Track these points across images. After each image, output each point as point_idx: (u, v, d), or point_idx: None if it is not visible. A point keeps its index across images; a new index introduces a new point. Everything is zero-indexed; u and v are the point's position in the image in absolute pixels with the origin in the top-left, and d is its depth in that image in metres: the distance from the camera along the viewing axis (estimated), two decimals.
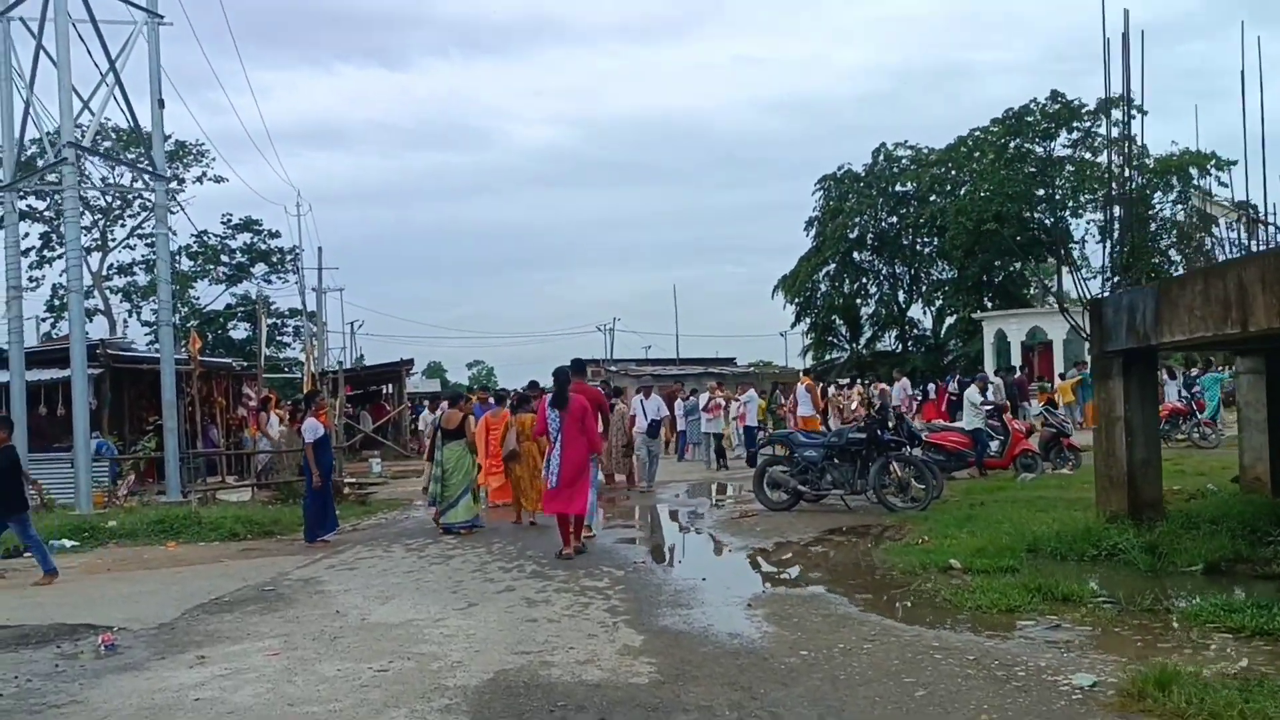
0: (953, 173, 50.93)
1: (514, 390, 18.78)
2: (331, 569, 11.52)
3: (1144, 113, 46.15)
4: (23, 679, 7.25)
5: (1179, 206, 45.85)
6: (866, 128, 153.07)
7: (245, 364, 28.31)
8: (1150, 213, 46.61)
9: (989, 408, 18.60)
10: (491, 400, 17.64)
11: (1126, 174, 45.42)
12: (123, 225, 57.53)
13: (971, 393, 18.64)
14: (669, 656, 7.21)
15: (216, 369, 23.21)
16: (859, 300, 55.21)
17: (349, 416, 30.54)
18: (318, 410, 14.03)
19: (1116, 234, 44.42)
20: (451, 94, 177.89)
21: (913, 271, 54.78)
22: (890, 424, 14.77)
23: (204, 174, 57.40)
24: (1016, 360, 40.55)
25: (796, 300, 54.54)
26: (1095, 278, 44.65)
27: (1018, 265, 51.43)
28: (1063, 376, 37.05)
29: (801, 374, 28.62)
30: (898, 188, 53.34)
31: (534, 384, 17.92)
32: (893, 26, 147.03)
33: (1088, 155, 47.26)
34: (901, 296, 55.44)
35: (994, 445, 18.07)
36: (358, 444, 29.63)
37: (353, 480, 21.28)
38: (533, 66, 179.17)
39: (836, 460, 14.68)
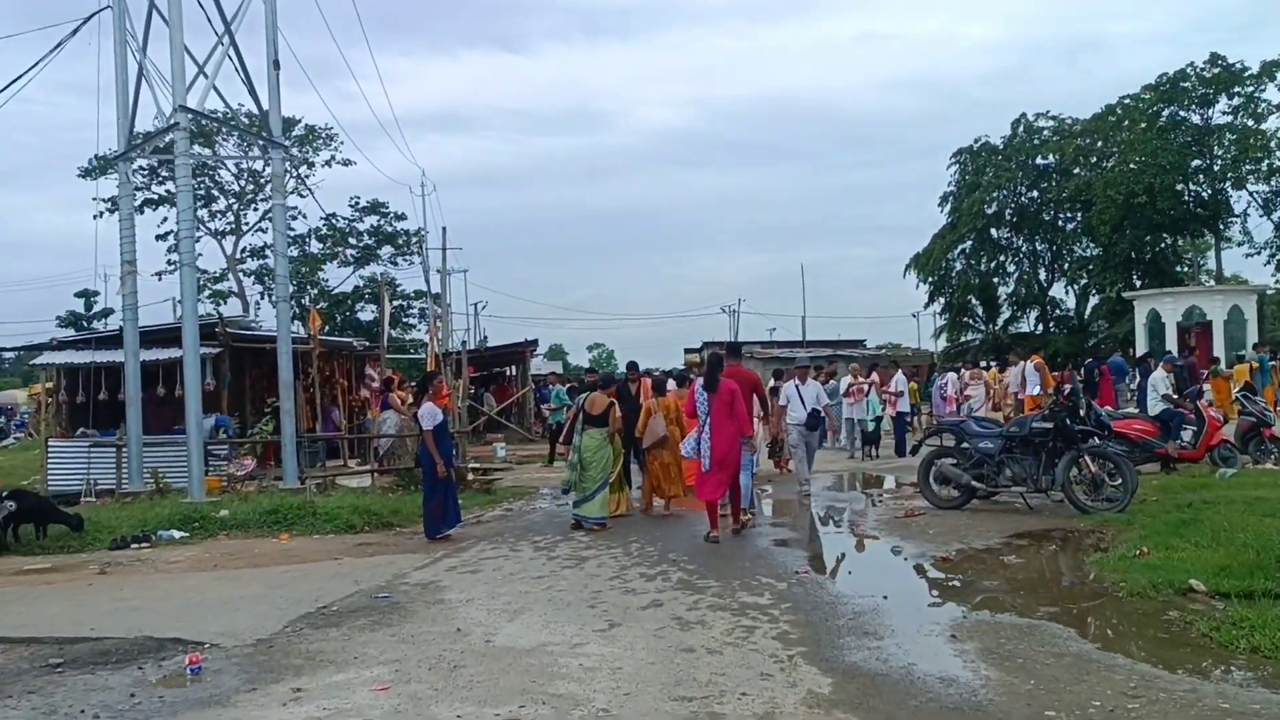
0: (1099, 144, 47.77)
1: (663, 371, 17.37)
2: (453, 571, 10.15)
3: None
4: (90, 712, 5.99)
5: None
6: (996, 105, 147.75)
7: (368, 344, 27.41)
8: None
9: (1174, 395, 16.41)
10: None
11: None
12: (255, 209, 57.87)
13: (1157, 377, 16.47)
14: (871, 712, 5.59)
15: (338, 349, 22.22)
16: (996, 279, 52.46)
17: (472, 398, 29.49)
18: (436, 393, 12.67)
19: None
20: (574, 77, 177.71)
21: (1054, 249, 51.73)
22: (1081, 411, 12.79)
23: (333, 157, 57.48)
24: (1171, 343, 37.47)
25: (930, 279, 52.09)
26: (1260, 253, 41.53)
27: (1170, 240, 48.05)
28: (1215, 361, 34.28)
29: (1027, 352, 26.38)
30: (1038, 161, 50.37)
31: (633, 365, 16.47)
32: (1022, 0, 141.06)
33: (1250, 122, 43.67)
34: (1042, 275, 52.48)
35: (1186, 435, 15.88)
36: (481, 426, 28.52)
37: (476, 465, 20.04)
38: (654, 48, 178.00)
39: (1017, 453, 12.80)
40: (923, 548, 10.66)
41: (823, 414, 15.51)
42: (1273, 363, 27.73)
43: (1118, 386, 26.05)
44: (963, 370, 25.39)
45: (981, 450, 12.92)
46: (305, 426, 19.02)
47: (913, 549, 10.65)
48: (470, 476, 17.98)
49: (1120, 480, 12.23)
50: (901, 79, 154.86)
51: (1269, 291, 45.03)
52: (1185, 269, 49.50)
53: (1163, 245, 47.79)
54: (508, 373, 37.11)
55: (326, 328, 23.94)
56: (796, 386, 15.56)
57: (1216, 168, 44.95)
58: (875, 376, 21.79)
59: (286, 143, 15.52)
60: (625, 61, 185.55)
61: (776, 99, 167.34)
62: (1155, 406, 16.05)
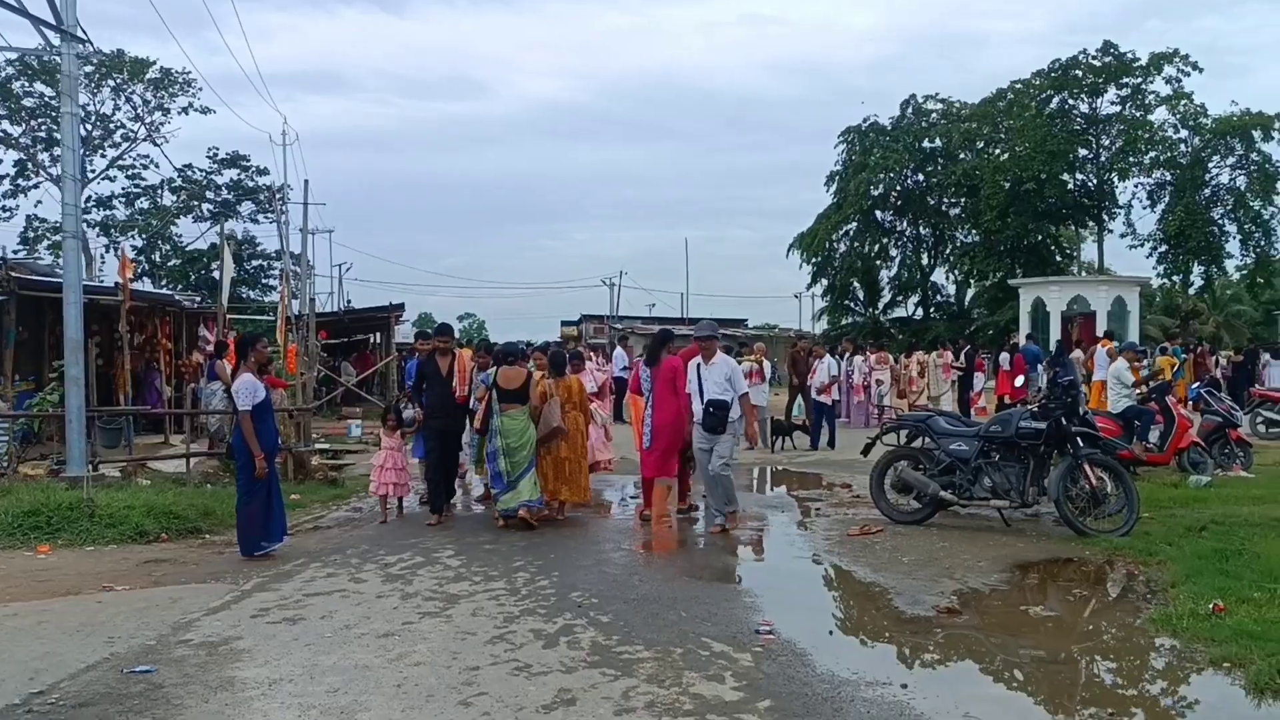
0: (986, 129, 46.19)
1: (555, 345, 14.28)
2: (262, 618, 6.90)
3: (1199, 69, 41.89)
4: None
5: (1239, 171, 41.32)
6: (874, 94, 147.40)
7: (199, 300, 23.45)
8: (1206, 177, 42.19)
9: (1142, 388, 14.04)
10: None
11: (1180, 134, 40.82)
12: (103, 155, 52.48)
13: (1119, 367, 14.07)
14: None
15: (160, 303, 18.27)
16: (880, 262, 50.59)
17: (327, 368, 25.81)
18: (259, 362, 9.33)
19: (1167, 200, 39.56)
20: (455, 42, 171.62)
21: (937, 233, 50.11)
22: (1080, 409, 10.17)
23: (190, 104, 52.45)
24: (1055, 332, 35.93)
25: (814, 260, 49.92)
26: (1142, 245, 40.34)
27: (1055, 229, 46.86)
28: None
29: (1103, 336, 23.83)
30: (925, 144, 48.57)
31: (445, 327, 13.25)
32: None
33: (1139, 114, 42.56)
34: (925, 260, 50.81)
35: (1153, 435, 13.55)
36: (339, 398, 24.88)
37: (325, 447, 16.60)
38: (538, 18, 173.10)
39: (998, 458, 10.12)
40: (904, 584, 7.84)
41: (734, 406, 9.98)
42: (1184, 356, 26.13)
43: (1030, 376, 23.93)
44: (868, 353, 22.89)
45: (954, 453, 10.19)
46: (116, 397, 15.30)
47: (893, 586, 7.81)
48: (316, 462, 14.60)
49: (1125, 497, 9.67)
50: (784, 63, 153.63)
51: (1153, 284, 44.24)
52: (1064, 259, 48.48)
53: (1047, 234, 46.54)
54: (371, 340, 33.36)
55: (135, 275, 19.58)
56: (698, 367, 10.13)
57: (1103, 158, 43.79)
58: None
59: (83, 36, 11.75)
60: (508, 29, 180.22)
61: (661, 77, 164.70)
62: (1119, 402, 13.64)
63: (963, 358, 23.52)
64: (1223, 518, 10.10)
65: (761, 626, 6.61)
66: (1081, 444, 9.89)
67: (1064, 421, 9.85)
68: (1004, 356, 24.46)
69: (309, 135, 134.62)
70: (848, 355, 22.57)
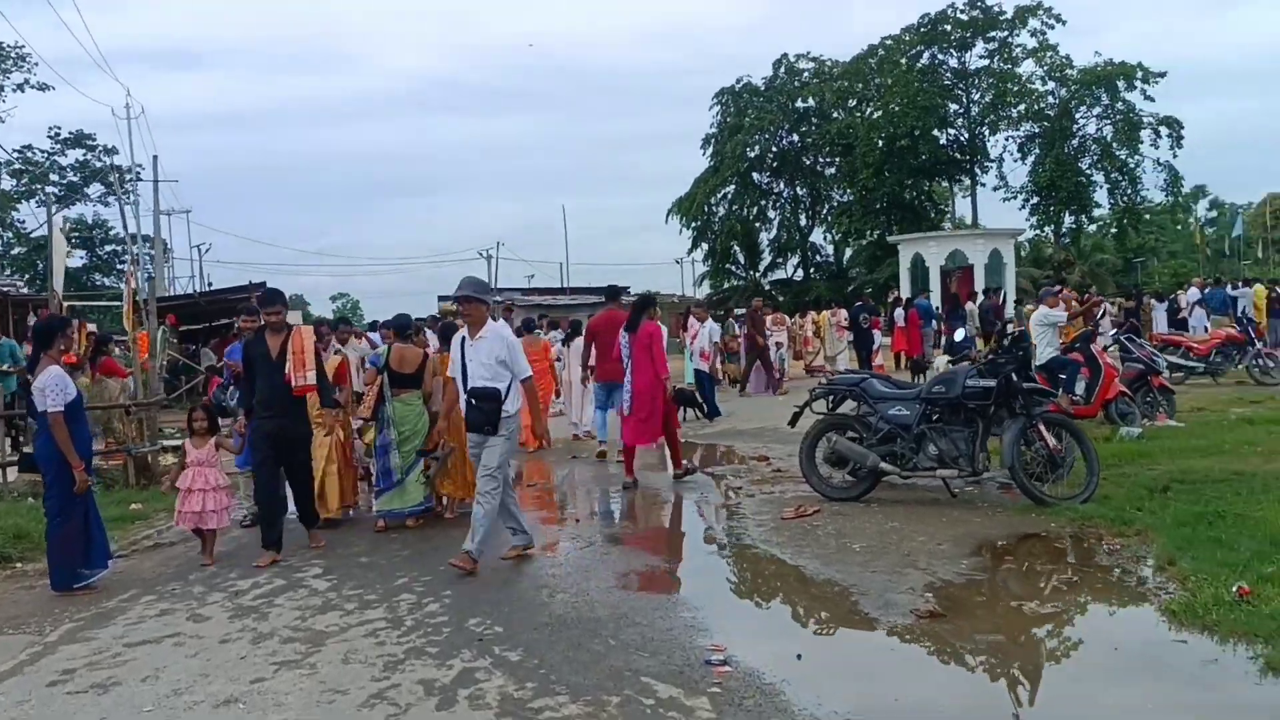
0: (858, 87, 45.53)
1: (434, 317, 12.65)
2: (59, 690, 5.19)
3: (1062, 21, 41.82)
4: None
5: (1105, 121, 41.50)
6: (749, 57, 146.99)
7: (27, 288, 20.90)
8: (1074, 129, 42.28)
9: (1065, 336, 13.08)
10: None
11: (1048, 86, 40.64)
12: None
13: (1044, 313, 13.04)
14: None
15: None
16: (759, 224, 49.63)
17: (185, 356, 23.51)
18: (74, 353, 7.52)
19: (1037, 152, 39.33)
20: (318, 15, 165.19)
21: (814, 193, 49.40)
22: (1030, 364, 9.01)
23: (26, 81, 48.41)
24: (935, 285, 35.47)
25: (693, 225, 48.70)
26: (1015, 198, 40.22)
27: (929, 185, 46.58)
28: (1018, 301, 32.60)
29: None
30: (799, 103, 47.71)
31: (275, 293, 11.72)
32: None
33: (1007, 67, 42.39)
34: (803, 220, 50.09)
35: (1079, 387, 12.59)
36: (199, 387, 22.63)
37: (175, 443, 14.55)
38: None
39: (941, 422, 8.91)
40: (865, 580, 6.52)
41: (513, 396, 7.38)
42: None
43: (924, 331, 23.16)
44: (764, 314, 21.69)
45: (893, 419, 8.94)
46: None
47: (853, 583, 6.48)
48: (166, 462, 12.66)
49: (1087, 460, 8.57)
50: (653, 30, 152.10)
51: (1027, 236, 44.33)
52: (938, 214, 48.32)
53: (921, 190, 46.22)
54: (235, 325, 30.89)
55: None
56: (462, 343, 7.49)
57: (974, 112, 43.56)
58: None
59: None
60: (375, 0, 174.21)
61: (528, 46, 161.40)
62: (1045, 353, 12.63)
63: (862, 318, 22.47)
64: (1181, 475, 9.09)
65: (712, 654, 5.20)
66: (1034, 402, 8.76)
67: (1015, 378, 8.68)
68: (898, 313, 23.63)
69: (168, 116, 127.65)
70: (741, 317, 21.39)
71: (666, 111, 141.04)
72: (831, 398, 9.50)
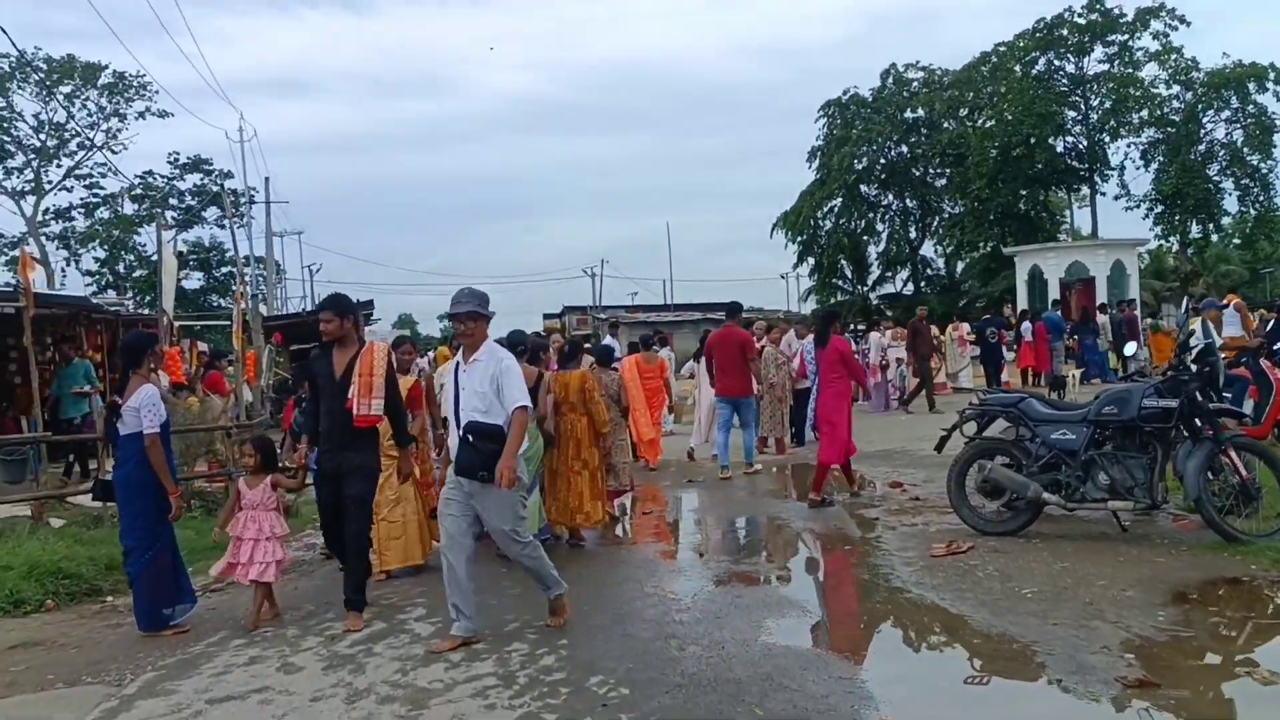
0: (969, 95, 43.88)
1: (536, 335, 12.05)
2: None
3: (1185, 23, 39.68)
4: None
5: (1234, 126, 39.20)
6: (848, 72, 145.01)
7: (148, 309, 20.87)
8: (1201, 134, 40.05)
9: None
10: None
11: (1172, 90, 38.51)
12: (59, 165, 49.74)
13: (1228, 316, 11.68)
14: None
15: (76, 309, 15.54)
16: (866, 238, 48.21)
17: (291, 375, 23.35)
18: (161, 368, 6.99)
19: (1161, 159, 37.00)
20: (421, 41, 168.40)
21: (924, 206, 47.80)
22: (1219, 380, 7.87)
23: (147, 109, 49.83)
24: (1054, 298, 33.73)
25: (799, 239, 47.52)
26: (1138, 207, 38.14)
27: (1044, 195, 44.64)
28: (1155, 314, 30.90)
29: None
30: (908, 114, 46.26)
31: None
32: None
33: (1128, 71, 40.34)
34: (913, 233, 48.52)
35: (1247, 406, 11.29)
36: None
37: (288, 465, 14.10)
38: (503, 12, 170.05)
39: (1114, 447, 7.83)
40: (1046, 635, 5.52)
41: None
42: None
43: (1053, 346, 21.75)
44: (884, 328, 20.59)
45: (1056, 444, 7.89)
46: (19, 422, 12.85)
47: (1033, 638, 5.48)
48: (286, 483, 12.15)
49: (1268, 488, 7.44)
50: (750, 46, 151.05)
51: (1150, 247, 42.19)
52: (1053, 225, 46.30)
53: (1036, 201, 44.32)
54: None
55: (38, 275, 16.54)
56: (456, 369, 6.21)
57: (1094, 118, 41.58)
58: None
59: None
60: (474, 24, 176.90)
61: (628, 64, 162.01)
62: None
63: (990, 333, 21.11)
64: None
65: None
66: (1216, 424, 7.64)
67: (1200, 397, 7.58)
68: (1025, 326, 22.24)
69: (278, 142, 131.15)
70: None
71: (767, 128, 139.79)
72: (982, 419, 8.49)
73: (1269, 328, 20.16)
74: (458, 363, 6.14)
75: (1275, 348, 14.01)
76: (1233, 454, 7.48)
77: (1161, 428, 7.62)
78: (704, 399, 13.82)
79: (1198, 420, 7.61)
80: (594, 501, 8.61)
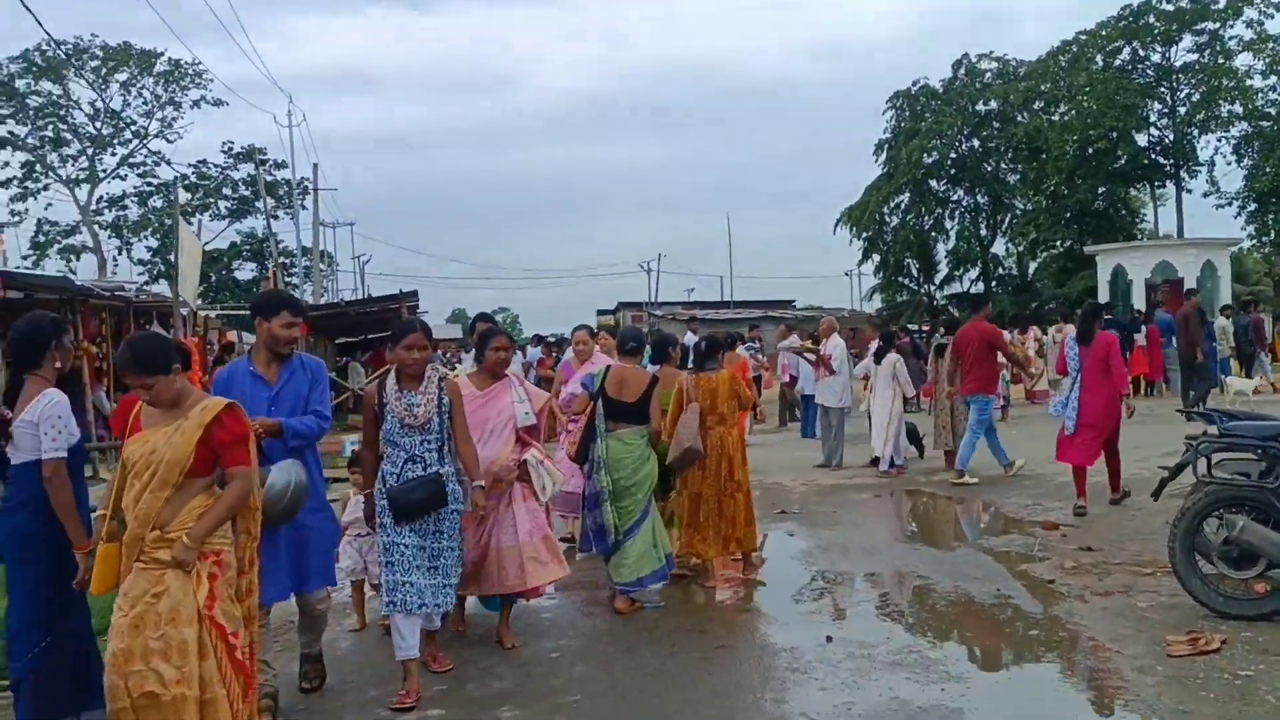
0: (1045, 87, 40.92)
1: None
2: None
3: None
4: None
5: None
6: (909, 70, 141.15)
7: (143, 290, 18.85)
8: None
9: None
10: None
11: (1268, 81, 35.36)
12: (113, 153, 48.50)
13: None
14: None
15: (80, 295, 13.35)
16: (935, 235, 45.42)
17: (334, 370, 21.32)
18: (63, 368, 4.76)
19: (1256, 154, 33.54)
20: (481, 38, 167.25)
21: (995, 202, 44.90)
22: None
23: (202, 98, 48.52)
24: (1139, 302, 30.78)
25: (864, 235, 44.88)
26: (1230, 204, 35.00)
27: (1125, 193, 41.60)
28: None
29: None
30: (980, 106, 43.42)
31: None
32: None
33: (1220, 61, 37.20)
34: (983, 230, 45.62)
35: None
36: (349, 403, 20.45)
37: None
38: (565, 10, 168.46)
39: None
40: None
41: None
42: None
43: (1166, 351, 19.07)
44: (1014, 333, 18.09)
45: None
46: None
47: None
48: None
49: None
50: (811, 45, 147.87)
51: (1243, 246, 39.04)
52: (1133, 223, 43.23)
53: (1117, 198, 41.31)
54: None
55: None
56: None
57: (1182, 111, 38.50)
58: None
59: None
60: (536, 22, 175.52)
61: (686, 63, 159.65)
62: None
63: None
64: None
65: None
66: None
67: None
68: (1140, 333, 19.55)
69: (339, 136, 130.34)
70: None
71: (827, 127, 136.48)
72: (1216, 454, 6.04)
73: None
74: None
75: None
76: None
77: None
78: (879, 406, 11.90)
79: None
80: (748, 528, 7.18)
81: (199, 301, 20.53)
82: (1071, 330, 19.20)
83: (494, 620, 6.07)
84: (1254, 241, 39.48)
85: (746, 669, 5.37)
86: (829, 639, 5.69)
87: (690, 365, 7.85)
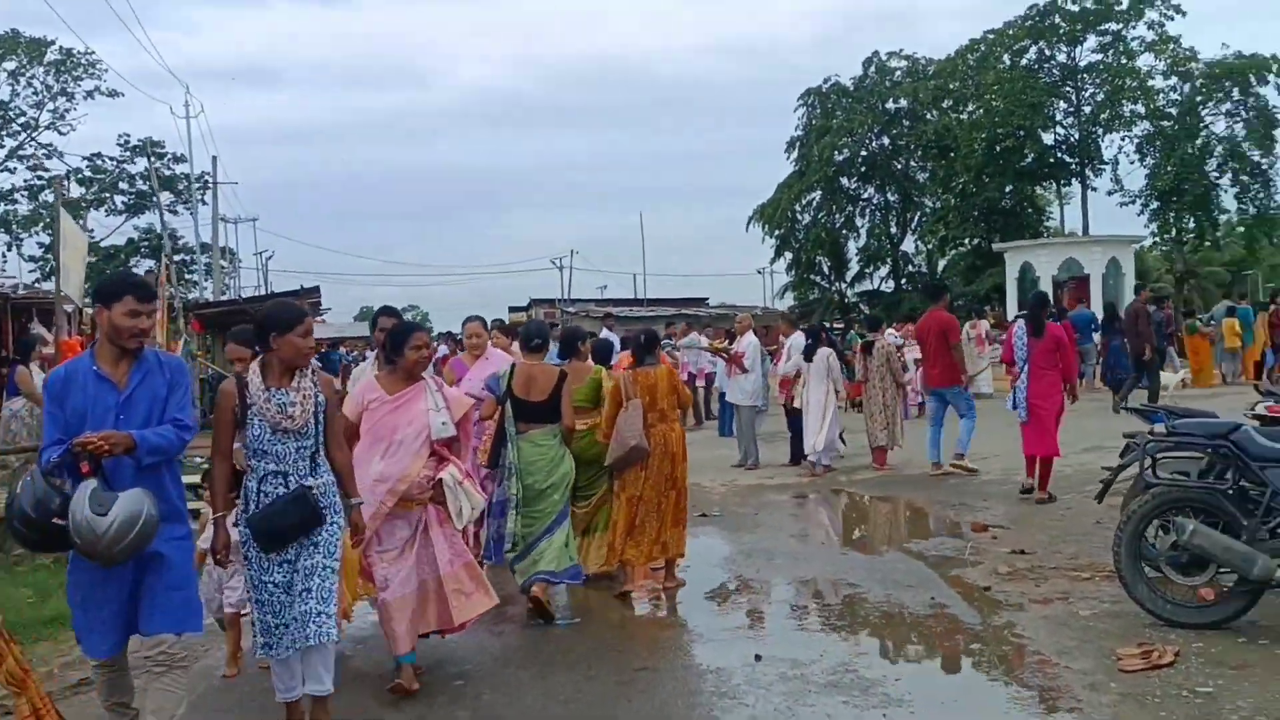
0: (954, 85, 41.28)
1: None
2: None
3: (1182, 13, 37.15)
4: None
5: (1235, 119, 36.91)
6: (821, 70, 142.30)
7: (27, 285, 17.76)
8: (1199, 127, 37.73)
9: None
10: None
11: (1169, 81, 36.09)
12: (0, 145, 46.11)
13: None
14: None
15: None
16: (846, 232, 45.55)
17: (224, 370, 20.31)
18: None
19: (1157, 153, 34.13)
20: (390, 32, 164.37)
21: (905, 200, 45.19)
22: None
23: (96, 89, 46.46)
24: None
25: (776, 233, 44.80)
26: (1133, 203, 35.60)
27: (1032, 191, 42.22)
28: (1189, 314, 28.45)
29: None
30: (890, 104, 43.65)
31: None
32: None
33: (1123, 62, 37.93)
34: (894, 228, 45.91)
35: None
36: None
37: (190, 481, 11.11)
38: (477, 5, 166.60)
39: None
40: None
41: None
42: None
43: (1083, 348, 19.07)
44: (896, 327, 17.91)
45: None
46: None
47: None
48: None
49: None
50: (723, 44, 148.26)
51: (1146, 244, 39.86)
52: (1039, 221, 43.90)
53: (1024, 196, 41.88)
54: None
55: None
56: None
57: (1087, 110, 39.17)
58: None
59: None
60: (447, 17, 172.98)
61: (600, 61, 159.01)
62: None
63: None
64: None
65: None
66: None
67: None
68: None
69: (242, 130, 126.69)
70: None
71: (740, 125, 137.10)
72: (1156, 456, 5.69)
73: None
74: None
75: None
76: None
77: None
78: (812, 401, 11.39)
79: None
80: (675, 529, 6.66)
81: (86, 299, 19.32)
82: (984, 326, 19.23)
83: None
84: (1155, 239, 40.40)
85: (670, 694, 4.86)
86: (758, 658, 5.21)
87: (610, 363, 7.36)
